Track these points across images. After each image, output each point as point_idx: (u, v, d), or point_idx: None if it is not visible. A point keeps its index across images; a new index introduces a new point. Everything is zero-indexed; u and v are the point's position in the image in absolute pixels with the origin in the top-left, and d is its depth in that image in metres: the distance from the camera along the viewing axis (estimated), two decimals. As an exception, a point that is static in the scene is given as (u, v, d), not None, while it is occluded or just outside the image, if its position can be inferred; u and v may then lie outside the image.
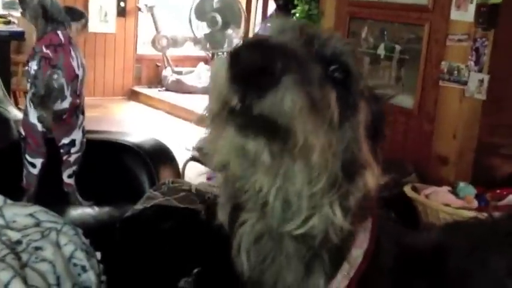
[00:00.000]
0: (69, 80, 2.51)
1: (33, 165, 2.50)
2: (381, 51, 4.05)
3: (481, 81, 3.46)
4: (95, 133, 2.78)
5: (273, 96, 0.71)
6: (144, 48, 8.84)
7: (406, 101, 3.90)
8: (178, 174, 2.69)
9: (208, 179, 2.24)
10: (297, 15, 4.48)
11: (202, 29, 4.31)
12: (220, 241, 0.90)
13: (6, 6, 6.86)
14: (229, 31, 4.26)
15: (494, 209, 3.10)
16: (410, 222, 3.18)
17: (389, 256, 0.95)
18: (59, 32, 2.52)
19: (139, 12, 8.48)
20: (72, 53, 2.54)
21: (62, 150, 2.54)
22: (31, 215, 1.70)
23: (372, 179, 0.84)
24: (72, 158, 2.55)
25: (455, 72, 3.58)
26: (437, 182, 3.49)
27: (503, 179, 3.46)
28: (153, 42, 8.72)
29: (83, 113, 2.61)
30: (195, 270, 1.72)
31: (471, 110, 3.57)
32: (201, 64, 8.71)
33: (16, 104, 5.56)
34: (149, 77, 8.83)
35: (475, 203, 3.16)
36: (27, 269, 1.47)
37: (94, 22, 7.61)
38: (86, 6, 7.45)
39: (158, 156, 2.61)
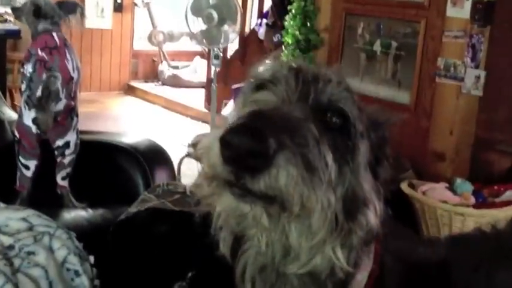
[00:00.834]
0: (64, 83, 2.49)
1: (27, 167, 2.48)
2: (377, 47, 4.04)
3: (478, 77, 3.46)
4: (89, 134, 2.75)
5: (266, 176, 0.72)
6: (141, 44, 8.83)
7: (402, 97, 3.89)
8: (174, 175, 2.67)
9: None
10: (293, 11, 4.46)
11: (198, 24, 4.28)
12: (214, 245, 0.90)
13: (3, 3, 6.81)
14: (226, 27, 4.23)
15: (491, 205, 3.10)
16: (407, 219, 3.18)
17: (394, 274, 0.94)
18: (54, 34, 2.51)
19: (135, 7, 8.47)
20: (68, 55, 2.52)
21: (56, 152, 2.52)
22: (24, 219, 1.68)
23: (373, 216, 0.84)
24: (67, 160, 2.53)
25: (452, 68, 3.57)
26: (434, 178, 3.49)
27: (500, 175, 3.45)
28: (150, 38, 8.71)
29: (77, 115, 2.59)
30: (190, 274, 1.71)
31: (468, 106, 3.57)
32: (197, 58, 8.71)
33: (12, 101, 5.56)
34: (146, 72, 8.81)
35: (472, 200, 3.16)
36: (19, 275, 1.46)
37: (91, 18, 7.58)
38: (82, 2, 7.42)
39: (153, 158, 2.58)
